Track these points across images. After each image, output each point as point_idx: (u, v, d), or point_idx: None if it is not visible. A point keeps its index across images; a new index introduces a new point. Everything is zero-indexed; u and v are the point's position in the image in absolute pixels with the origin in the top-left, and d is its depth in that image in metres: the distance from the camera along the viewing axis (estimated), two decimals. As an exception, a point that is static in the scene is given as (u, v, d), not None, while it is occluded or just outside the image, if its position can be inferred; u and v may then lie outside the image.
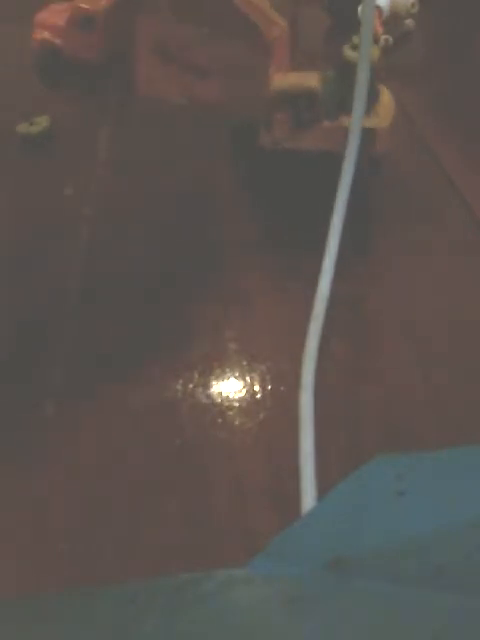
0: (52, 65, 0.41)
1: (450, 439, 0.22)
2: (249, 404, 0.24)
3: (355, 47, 0.28)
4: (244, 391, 0.25)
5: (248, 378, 0.25)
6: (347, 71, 0.28)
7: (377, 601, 0.12)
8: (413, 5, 0.45)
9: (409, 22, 0.46)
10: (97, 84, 0.40)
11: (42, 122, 0.36)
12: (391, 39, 0.45)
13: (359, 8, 0.32)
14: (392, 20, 0.45)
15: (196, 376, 0.25)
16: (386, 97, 0.29)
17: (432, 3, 0.48)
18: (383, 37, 0.45)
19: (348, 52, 0.28)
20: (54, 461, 0.22)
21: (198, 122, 0.36)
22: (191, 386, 0.25)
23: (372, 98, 0.28)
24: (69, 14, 0.40)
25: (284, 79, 0.30)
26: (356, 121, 0.27)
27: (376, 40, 0.44)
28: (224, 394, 0.25)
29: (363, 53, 0.26)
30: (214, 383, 0.25)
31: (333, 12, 0.47)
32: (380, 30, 0.45)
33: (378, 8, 0.45)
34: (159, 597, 0.12)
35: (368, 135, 0.28)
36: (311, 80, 0.29)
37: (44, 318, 0.27)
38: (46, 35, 0.41)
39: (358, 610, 0.11)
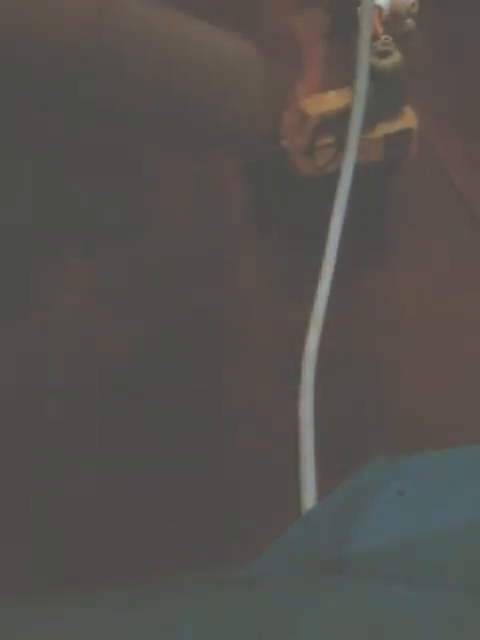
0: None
1: (450, 439, 0.22)
2: (249, 404, 0.24)
3: (380, 54, 0.28)
4: (245, 391, 0.25)
5: (248, 378, 0.25)
6: (380, 79, 0.28)
7: (377, 601, 0.12)
8: (413, 5, 0.45)
9: (409, 22, 0.46)
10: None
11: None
12: (391, 39, 0.45)
13: (359, 8, 0.32)
14: (392, 20, 0.45)
15: (196, 376, 0.25)
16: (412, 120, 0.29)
17: (432, 3, 0.48)
18: (383, 37, 0.45)
19: (376, 61, 0.28)
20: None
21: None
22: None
23: (402, 99, 0.28)
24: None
25: (320, 102, 0.28)
26: (355, 122, 0.27)
27: (376, 40, 0.44)
28: (223, 394, 0.25)
29: (362, 53, 0.26)
30: (213, 383, 0.25)
31: (333, 12, 0.47)
32: (380, 30, 0.45)
33: (378, 8, 0.45)
34: (159, 597, 0.12)
35: (404, 136, 0.28)
36: (346, 98, 0.28)
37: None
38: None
39: (358, 610, 0.11)
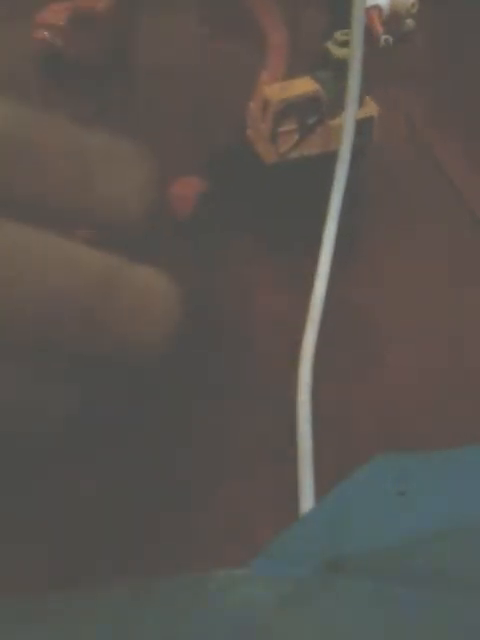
0: (52, 65, 0.41)
1: (450, 439, 0.22)
2: (248, 404, 0.24)
3: (341, 43, 0.28)
4: (243, 391, 0.25)
5: (247, 378, 0.25)
6: (340, 68, 0.28)
7: (377, 601, 0.12)
8: (413, 5, 0.45)
9: (409, 22, 0.46)
10: (97, 84, 0.40)
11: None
12: (391, 39, 0.45)
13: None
14: (392, 20, 0.45)
15: (196, 376, 0.25)
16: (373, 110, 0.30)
17: (432, 3, 0.48)
18: (383, 37, 0.45)
19: (336, 50, 0.28)
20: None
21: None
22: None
23: (363, 89, 0.28)
24: (69, 14, 0.40)
25: (282, 89, 0.29)
26: (349, 121, 0.27)
27: (376, 39, 0.45)
28: (223, 394, 0.25)
29: (355, 49, 0.26)
30: (213, 383, 0.25)
31: (333, 12, 0.47)
32: (380, 30, 0.45)
33: (378, 8, 0.45)
34: (159, 597, 0.12)
35: (366, 125, 0.29)
36: (309, 84, 0.29)
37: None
38: (46, 35, 0.41)
39: (358, 610, 0.11)
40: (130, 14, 0.38)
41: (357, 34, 0.26)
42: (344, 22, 0.27)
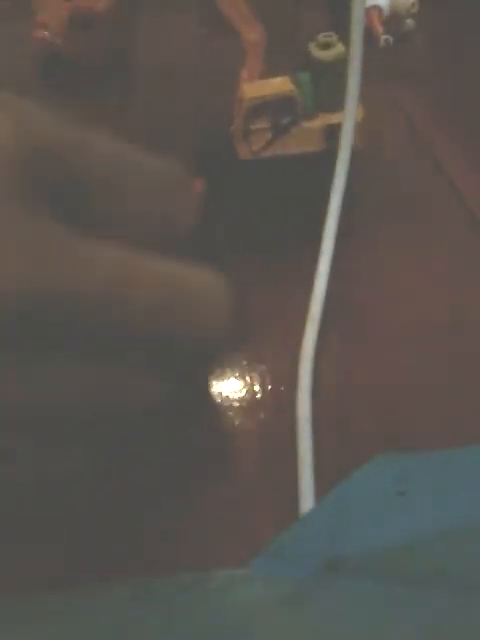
0: (52, 65, 0.41)
1: (450, 439, 0.22)
2: (248, 404, 0.24)
3: (322, 45, 0.28)
4: (243, 392, 0.25)
5: (247, 379, 0.25)
6: (319, 70, 0.28)
7: (377, 601, 0.12)
8: (413, 5, 0.45)
9: (409, 22, 0.46)
10: (97, 84, 0.40)
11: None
12: (391, 39, 0.45)
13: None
14: (392, 20, 0.45)
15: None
16: (359, 114, 0.29)
17: (432, 3, 0.48)
18: (383, 37, 0.45)
19: (316, 52, 0.28)
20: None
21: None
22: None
23: (343, 93, 0.28)
24: (69, 14, 0.40)
25: (258, 87, 0.29)
26: (349, 121, 0.27)
27: (376, 39, 0.45)
28: (223, 394, 0.25)
29: (355, 49, 0.26)
30: (213, 383, 0.25)
31: (333, 12, 0.47)
32: (380, 30, 0.45)
33: (378, 8, 0.45)
34: (159, 597, 0.12)
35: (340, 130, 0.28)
36: (285, 84, 0.29)
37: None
38: (46, 35, 0.41)
39: (358, 610, 0.11)
40: (130, 14, 0.38)
41: (357, 34, 0.26)
42: (344, 22, 0.27)
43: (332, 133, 0.28)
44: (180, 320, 0.18)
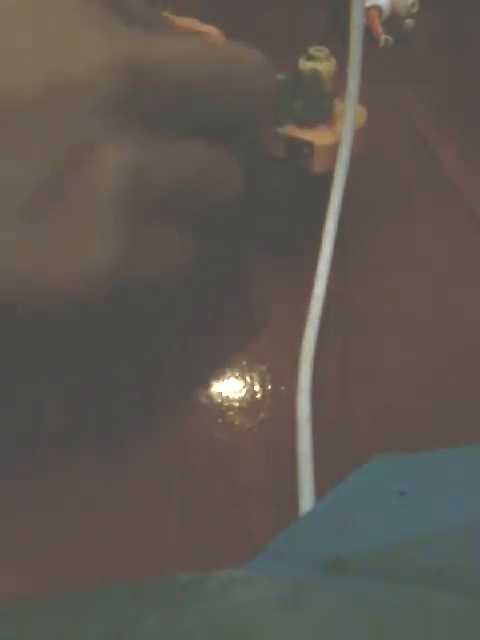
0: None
1: (450, 439, 0.22)
2: (248, 404, 0.24)
3: (310, 58, 0.28)
4: (243, 392, 0.25)
5: (247, 379, 0.25)
6: (300, 81, 0.28)
7: (377, 601, 0.12)
8: (413, 5, 0.46)
9: (409, 22, 0.46)
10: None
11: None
12: (391, 39, 0.45)
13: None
14: (392, 20, 0.45)
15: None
16: (361, 118, 0.28)
17: (432, 3, 0.48)
18: (383, 37, 0.45)
19: (303, 63, 0.28)
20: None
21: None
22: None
23: (322, 112, 0.27)
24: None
25: None
26: (349, 121, 0.27)
27: (376, 39, 0.45)
28: (223, 394, 0.25)
29: (355, 49, 0.26)
30: (213, 383, 0.25)
31: (333, 11, 0.47)
32: (380, 30, 0.45)
33: (378, 8, 0.45)
34: (159, 597, 0.12)
35: (305, 147, 0.27)
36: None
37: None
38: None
39: (358, 610, 0.11)
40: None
41: (357, 34, 0.26)
42: (344, 22, 0.27)
43: (294, 147, 0.27)
44: (241, 86, 0.22)
